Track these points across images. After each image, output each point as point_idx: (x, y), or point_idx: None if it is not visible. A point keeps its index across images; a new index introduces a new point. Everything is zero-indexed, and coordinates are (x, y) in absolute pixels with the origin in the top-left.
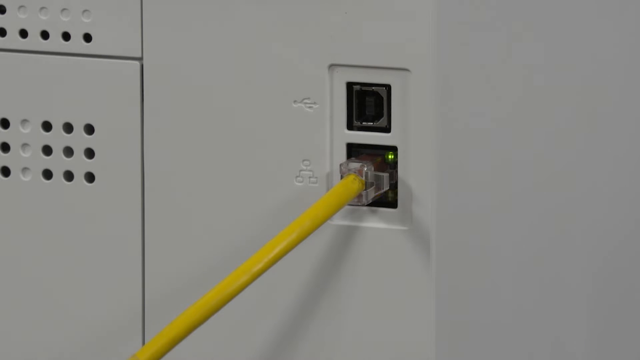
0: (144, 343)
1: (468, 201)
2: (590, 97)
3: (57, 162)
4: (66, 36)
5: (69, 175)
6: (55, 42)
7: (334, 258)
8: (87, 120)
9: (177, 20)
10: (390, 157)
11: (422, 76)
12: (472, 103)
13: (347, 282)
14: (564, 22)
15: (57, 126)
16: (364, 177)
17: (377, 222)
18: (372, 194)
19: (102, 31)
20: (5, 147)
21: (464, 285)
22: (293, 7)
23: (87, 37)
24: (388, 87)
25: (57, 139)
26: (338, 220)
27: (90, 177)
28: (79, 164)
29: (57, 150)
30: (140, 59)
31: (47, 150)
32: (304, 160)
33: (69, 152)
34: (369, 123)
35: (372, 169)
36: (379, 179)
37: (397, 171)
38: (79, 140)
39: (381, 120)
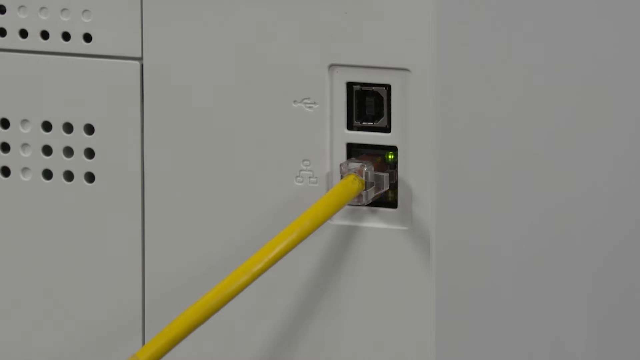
0: (144, 343)
1: (468, 201)
2: (590, 97)
3: (57, 162)
4: (66, 36)
5: (69, 175)
6: (55, 42)
7: (334, 258)
8: (87, 120)
9: (177, 20)
10: (390, 157)
11: (422, 76)
12: (472, 103)
13: (347, 282)
14: (564, 22)
15: (57, 126)
16: (364, 177)
17: (377, 222)
18: (372, 194)
19: (102, 31)
20: (5, 147)
21: (464, 285)
22: (293, 7)
23: (87, 37)
24: (388, 87)
25: (57, 139)
26: (338, 220)
27: (90, 177)
28: (79, 164)
29: (57, 150)
30: (140, 59)
31: (47, 150)
32: (304, 160)
33: (69, 152)
34: (369, 123)
35: (372, 169)
36: (379, 179)
37: (397, 171)
38: (79, 140)
39: (381, 120)
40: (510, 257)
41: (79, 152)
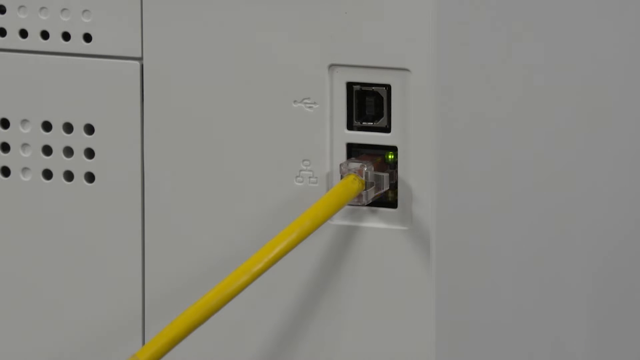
0: (144, 343)
1: (468, 201)
2: (590, 97)
3: (57, 162)
4: (66, 36)
5: (69, 175)
6: (55, 42)
7: (334, 258)
8: (87, 120)
9: (177, 20)
10: (390, 157)
11: (422, 76)
12: (472, 103)
13: (347, 282)
14: (564, 22)
15: (57, 126)
16: (364, 177)
17: (377, 222)
18: (372, 194)
19: (102, 31)
20: (5, 147)
21: (464, 285)
22: (293, 7)
23: (87, 37)
24: (388, 87)
25: (57, 139)
26: (338, 220)
27: (90, 177)
28: (79, 164)
29: (57, 150)
30: (140, 59)
31: (47, 150)
32: (304, 160)
33: (69, 152)
34: (369, 123)
35: (372, 169)
36: (379, 179)
37: (397, 171)
38: (79, 140)
39: (381, 120)
40: (510, 257)
41: (79, 152)
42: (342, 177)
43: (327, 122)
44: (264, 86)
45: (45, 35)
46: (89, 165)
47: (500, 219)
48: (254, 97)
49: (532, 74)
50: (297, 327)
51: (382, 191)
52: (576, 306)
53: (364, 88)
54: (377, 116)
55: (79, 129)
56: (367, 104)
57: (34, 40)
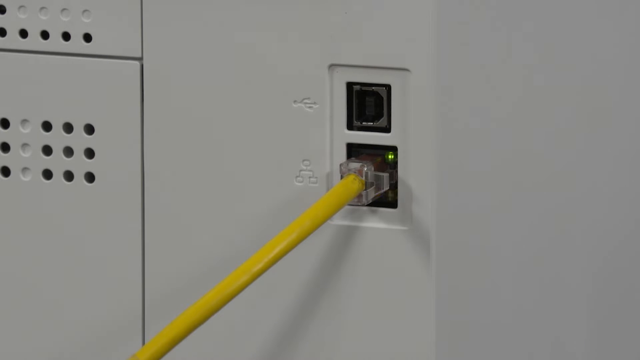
0: (144, 343)
1: (468, 201)
2: (590, 97)
3: (57, 162)
4: (66, 36)
5: (69, 175)
6: (55, 42)
7: (334, 258)
8: (87, 120)
9: (177, 20)
10: (390, 157)
11: (422, 76)
12: (472, 103)
13: (347, 282)
14: (564, 22)
15: (57, 126)
16: (364, 177)
17: (377, 222)
18: (372, 194)
19: (102, 31)
20: (5, 147)
21: (464, 285)
22: (293, 7)
23: (87, 37)
24: (388, 87)
25: (57, 139)
26: (338, 220)
27: (90, 177)
28: (79, 164)
29: (57, 150)
30: (140, 59)
31: (47, 150)
32: (304, 160)
33: (69, 152)
34: (369, 123)
35: (372, 169)
36: (379, 179)
37: (397, 171)
38: (79, 140)
39: (381, 120)
40: (510, 257)
41: (79, 152)
42: (342, 177)
43: (327, 122)
44: (264, 86)
45: (45, 35)
46: (89, 165)
47: (500, 219)
48: (254, 97)
49: (532, 74)
50: (297, 327)
51: (382, 191)
52: (576, 306)
53: (364, 88)
54: (377, 116)
55: (79, 129)
56: (367, 104)
57: (34, 40)
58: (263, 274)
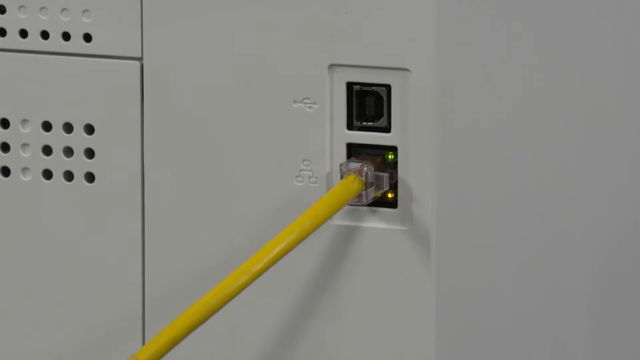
0: (144, 343)
1: (468, 201)
2: (590, 97)
3: (57, 162)
4: (66, 36)
5: (69, 175)
6: (55, 42)
7: (334, 258)
8: (87, 120)
9: (177, 20)
10: (390, 157)
11: (422, 76)
12: (472, 103)
13: (347, 282)
14: (564, 22)
15: (57, 126)
16: (364, 177)
17: (377, 222)
18: (372, 194)
19: (102, 31)
20: (5, 147)
21: (464, 285)
22: (293, 7)
23: (87, 37)
24: (388, 87)
25: (57, 139)
26: (338, 220)
27: (90, 177)
28: (79, 164)
29: (57, 150)
30: (140, 59)
31: (47, 150)
32: (304, 160)
33: (69, 152)
34: (369, 123)
35: (372, 169)
36: (379, 179)
37: (397, 171)
38: (79, 140)
39: (381, 120)
40: (510, 257)
41: (79, 152)
42: (342, 177)
43: (327, 122)
44: (264, 86)
45: (45, 35)
46: (89, 165)
47: (500, 219)
48: (254, 97)
49: (532, 74)
50: (297, 327)
51: (382, 191)
52: (576, 306)
53: (364, 88)
54: (377, 116)
55: (79, 129)
56: (367, 104)
57: (34, 40)
58: (263, 274)
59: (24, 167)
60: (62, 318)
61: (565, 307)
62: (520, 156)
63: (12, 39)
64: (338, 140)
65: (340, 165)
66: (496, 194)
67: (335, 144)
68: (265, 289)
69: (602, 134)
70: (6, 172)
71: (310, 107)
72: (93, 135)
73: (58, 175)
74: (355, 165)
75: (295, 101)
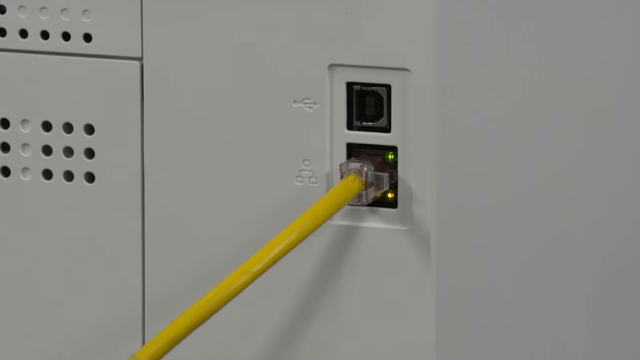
0: (144, 343)
1: (468, 201)
2: (590, 97)
3: (57, 162)
4: (66, 36)
5: (69, 175)
6: (55, 42)
7: (334, 258)
8: (87, 120)
9: (177, 20)
10: (390, 157)
11: (422, 76)
12: (472, 103)
13: (347, 282)
14: (564, 22)
15: (57, 126)
16: (364, 177)
17: (377, 222)
18: (372, 194)
19: (102, 31)
20: (5, 147)
21: (464, 285)
22: (293, 7)
23: (87, 37)
24: (388, 87)
25: (57, 139)
26: (338, 220)
27: (90, 177)
28: (79, 164)
29: (57, 150)
30: (140, 59)
31: (47, 150)
32: (304, 160)
33: (69, 152)
34: (369, 123)
35: (372, 169)
36: (379, 179)
37: (397, 171)
38: (79, 140)
39: (381, 120)
40: (510, 257)
41: (79, 152)
42: (342, 177)
43: (327, 122)
44: (264, 86)
45: (45, 35)
46: (89, 165)
47: (500, 219)
48: (254, 97)
49: (532, 74)
50: (297, 327)
51: (382, 191)
52: (576, 306)
53: (364, 88)
54: (377, 116)
55: (79, 129)
56: (367, 104)
57: (34, 40)
58: (263, 274)
59: (24, 167)
60: (62, 318)
61: (565, 307)
62: (520, 156)
63: (12, 39)
64: (338, 140)
65: (340, 165)
66: (496, 194)
67: (335, 144)
68: (265, 289)
69: (602, 134)
70: (6, 172)
71: (310, 107)
72: (93, 135)
73: (58, 175)
74: (355, 165)
75: (295, 101)
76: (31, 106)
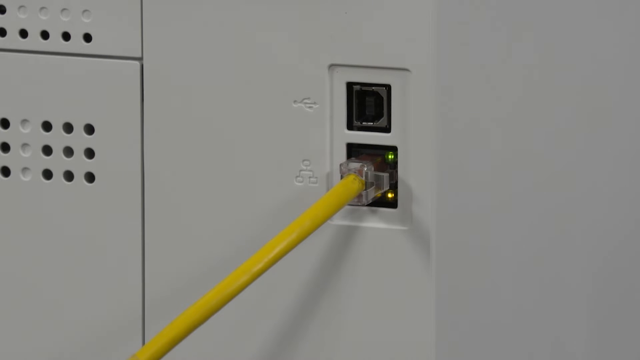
0: (144, 343)
1: (468, 201)
2: (590, 97)
3: (57, 162)
4: (66, 36)
5: (69, 175)
6: (55, 42)
7: (334, 258)
8: (87, 120)
9: (177, 20)
10: (390, 157)
11: (422, 76)
12: (472, 103)
13: (347, 282)
14: (564, 22)
15: (57, 126)
16: (364, 177)
17: (377, 222)
18: (372, 194)
19: (102, 31)
20: (5, 147)
21: (464, 285)
22: (293, 7)
23: (87, 37)
24: (388, 87)
25: (57, 139)
26: (338, 220)
27: (90, 177)
28: (79, 164)
29: (57, 150)
30: (140, 59)
31: (47, 150)
32: (304, 160)
33: (69, 152)
34: (369, 123)
35: (372, 169)
36: (379, 179)
37: (397, 171)
38: (79, 140)
39: (381, 120)
40: (510, 257)
41: (79, 152)
42: (342, 177)
43: (327, 122)
44: (264, 86)
45: (45, 35)
46: (89, 165)
47: (500, 219)
48: (254, 97)
49: (532, 74)
50: (297, 327)
51: (382, 191)
52: (576, 306)
53: (364, 88)
54: (377, 116)
55: (79, 129)
56: (367, 104)
57: (34, 40)
58: (263, 274)
59: (24, 167)
60: (62, 318)
61: (565, 307)
62: (520, 156)
63: (12, 39)
64: (338, 140)
65: (340, 165)
66: (496, 194)
67: (335, 144)
68: (265, 289)
69: (602, 134)
70: (6, 172)
71: (310, 107)
72: (93, 135)
73: (58, 175)
74: (355, 165)
75: (295, 101)
76: (31, 106)
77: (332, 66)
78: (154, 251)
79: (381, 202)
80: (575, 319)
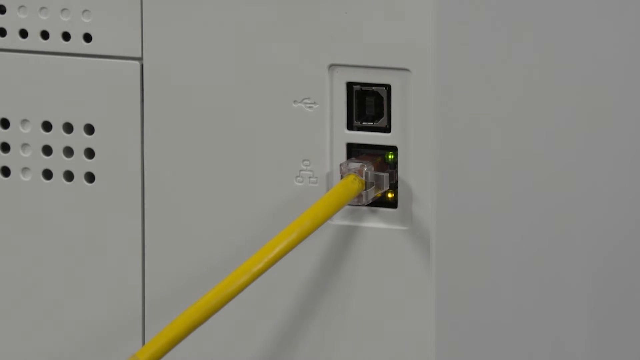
0: (144, 343)
1: (468, 201)
2: (590, 97)
3: (57, 162)
4: (66, 36)
5: (69, 175)
6: (55, 42)
7: (334, 258)
8: (87, 120)
9: (177, 20)
10: (390, 157)
11: (422, 76)
12: (472, 103)
13: (347, 282)
14: (564, 22)
15: (57, 126)
16: (364, 177)
17: (377, 222)
18: (372, 194)
19: (102, 31)
20: (5, 147)
21: (464, 285)
22: (293, 7)
23: (87, 37)
24: (388, 87)
25: (57, 139)
26: (338, 220)
27: (90, 177)
28: (79, 164)
29: (57, 150)
30: (140, 59)
31: (47, 150)
32: (304, 160)
33: (69, 152)
34: (369, 123)
35: (372, 169)
36: (379, 179)
37: (397, 171)
38: (79, 140)
39: (381, 120)
40: (510, 257)
41: (79, 152)
42: (342, 177)
43: (327, 122)
44: (264, 86)
45: (45, 35)
46: (89, 165)
47: (500, 219)
48: (254, 97)
49: (532, 74)
50: (297, 327)
51: (382, 191)
52: (576, 306)
53: (364, 88)
54: (377, 116)
55: (79, 129)
56: (367, 104)
57: (34, 40)
58: (263, 274)
59: (24, 167)
60: (62, 318)
61: (565, 307)
62: (520, 156)
63: (12, 39)
64: (338, 140)
65: (340, 165)
66: (496, 194)
67: (335, 144)
68: (265, 289)
69: (602, 134)
70: (6, 172)
71: (310, 107)
72: (93, 135)
73: (58, 175)
74: (355, 165)
75: (295, 101)
76: (31, 106)
77: (332, 66)
78: (154, 251)
79: (381, 202)
80: (575, 319)
